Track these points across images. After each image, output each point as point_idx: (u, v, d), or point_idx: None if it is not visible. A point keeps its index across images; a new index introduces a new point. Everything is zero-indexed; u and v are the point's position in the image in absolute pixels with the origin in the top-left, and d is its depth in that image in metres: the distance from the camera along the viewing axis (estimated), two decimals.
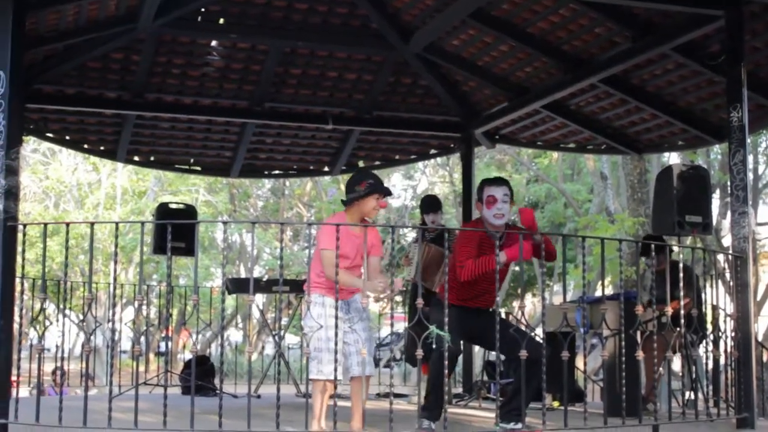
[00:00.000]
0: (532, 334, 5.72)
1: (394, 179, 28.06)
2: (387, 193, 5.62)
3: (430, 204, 8.54)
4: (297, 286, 9.26)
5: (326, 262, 5.36)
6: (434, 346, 5.52)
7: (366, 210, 5.54)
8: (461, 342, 6.07)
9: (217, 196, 26.12)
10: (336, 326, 5.11)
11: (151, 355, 22.63)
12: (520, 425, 5.47)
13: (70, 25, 8.10)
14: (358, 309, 5.56)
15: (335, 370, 5.13)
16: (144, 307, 12.63)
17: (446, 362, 5.24)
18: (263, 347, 29.82)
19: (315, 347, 5.31)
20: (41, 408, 5.33)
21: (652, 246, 5.83)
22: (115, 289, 5.61)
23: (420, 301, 5.22)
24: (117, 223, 5.68)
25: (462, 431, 5.45)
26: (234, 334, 30.79)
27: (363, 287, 5.41)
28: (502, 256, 5.65)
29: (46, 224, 5.78)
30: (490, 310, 5.97)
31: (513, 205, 6.02)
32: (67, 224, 5.54)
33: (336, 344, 5.11)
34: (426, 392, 5.77)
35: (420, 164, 26.37)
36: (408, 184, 29.20)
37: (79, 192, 24.16)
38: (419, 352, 5.20)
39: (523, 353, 5.26)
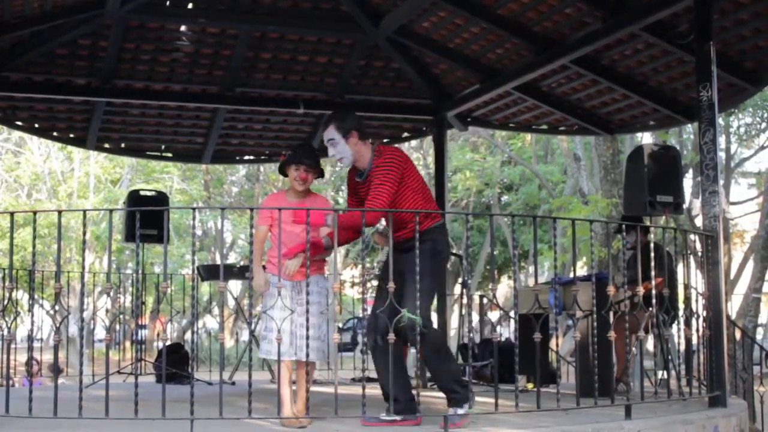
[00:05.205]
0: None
1: None
2: (300, 162, 5.53)
3: None
4: None
5: (255, 238, 5.40)
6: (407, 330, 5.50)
7: (290, 180, 5.53)
8: None
9: (191, 183, 26.00)
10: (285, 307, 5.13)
11: (128, 344, 22.50)
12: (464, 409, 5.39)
13: (36, 12, 8.01)
14: (314, 291, 5.35)
15: (279, 350, 5.11)
16: (120, 296, 12.57)
17: (390, 356, 5.16)
18: (238, 334, 29.78)
19: (267, 326, 5.35)
20: (13, 399, 5.29)
21: (623, 226, 5.84)
22: (84, 278, 5.55)
23: (391, 285, 5.18)
24: (85, 211, 5.63)
25: (431, 414, 5.48)
26: (210, 321, 30.72)
27: (256, 272, 5.41)
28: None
29: (13, 213, 5.71)
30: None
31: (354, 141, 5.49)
32: (35, 212, 5.51)
33: (278, 326, 5.11)
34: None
35: None
36: None
37: (52, 181, 23.96)
38: (391, 336, 5.18)
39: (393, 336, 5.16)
